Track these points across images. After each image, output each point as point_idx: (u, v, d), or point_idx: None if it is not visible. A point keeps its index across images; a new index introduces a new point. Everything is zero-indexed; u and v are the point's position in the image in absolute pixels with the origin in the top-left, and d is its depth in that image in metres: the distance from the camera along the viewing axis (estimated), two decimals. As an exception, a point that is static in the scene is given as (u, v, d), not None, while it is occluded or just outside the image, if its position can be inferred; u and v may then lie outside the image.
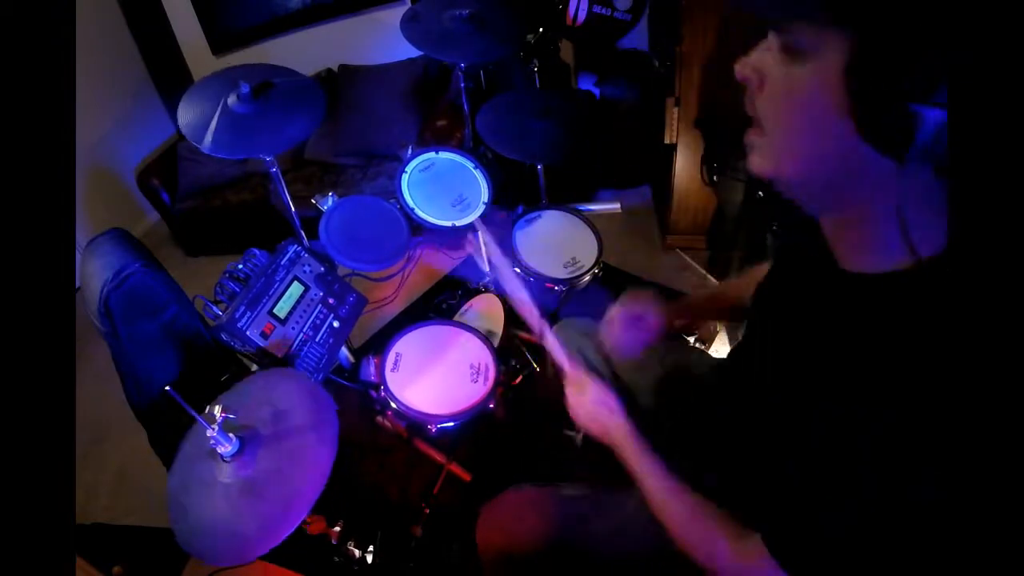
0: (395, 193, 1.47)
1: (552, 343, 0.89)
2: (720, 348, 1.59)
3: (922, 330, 0.47)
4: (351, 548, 1.19)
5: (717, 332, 1.62)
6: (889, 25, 0.40)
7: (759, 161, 0.53)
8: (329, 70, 2.91)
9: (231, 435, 0.83)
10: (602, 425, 0.80)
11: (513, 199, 1.66)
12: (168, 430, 0.93)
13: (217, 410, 0.81)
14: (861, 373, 0.49)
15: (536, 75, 2.14)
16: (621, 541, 0.85)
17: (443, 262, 2.47)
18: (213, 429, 0.80)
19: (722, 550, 0.64)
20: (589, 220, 1.58)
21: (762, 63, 0.50)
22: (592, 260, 1.47)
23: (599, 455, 0.83)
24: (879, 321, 0.49)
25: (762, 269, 0.81)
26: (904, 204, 0.47)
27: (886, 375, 0.48)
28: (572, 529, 0.87)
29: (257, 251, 1.26)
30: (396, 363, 1.29)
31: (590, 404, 0.81)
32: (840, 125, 0.45)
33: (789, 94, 0.48)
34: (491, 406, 1.21)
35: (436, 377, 1.27)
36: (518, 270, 1.45)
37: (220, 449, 0.82)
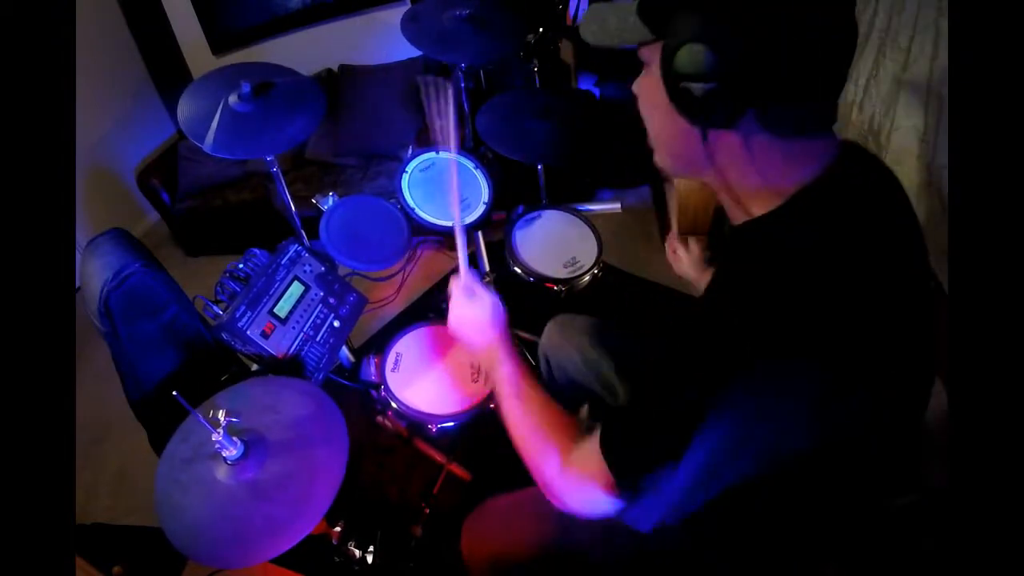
0: (395, 193, 1.47)
1: (459, 239, 0.89)
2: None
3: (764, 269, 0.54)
4: (351, 548, 1.19)
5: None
6: (676, 30, 0.52)
7: (654, 155, 0.66)
8: (329, 70, 2.90)
9: (235, 438, 0.83)
10: (481, 336, 0.81)
11: (513, 199, 1.66)
12: (168, 430, 0.93)
13: (221, 414, 0.80)
14: (726, 308, 0.56)
15: (536, 75, 2.14)
16: (607, 542, 0.84)
17: (443, 262, 2.47)
18: (218, 433, 0.80)
19: (552, 462, 0.67)
20: (589, 220, 1.58)
21: (638, 81, 0.62)
22: (592, 260, 1.47)
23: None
24: (742, 260, 0.59)
25: None
26: (726, 172, 0.58)
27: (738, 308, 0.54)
28: (557, 534, 0.86)
29: (257, 251, 1.25)
30: (396, 363, 1.29)
31: (476, 312, 0.82)
32: (671, 111, 0.56)
33: (644, 97, 0.62)
34: (491, 406, 1.21)
35: (436, 377, 1.27)
36: (518, 270, 1.45)
37: (225, 453, 0.82)
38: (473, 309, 0.83)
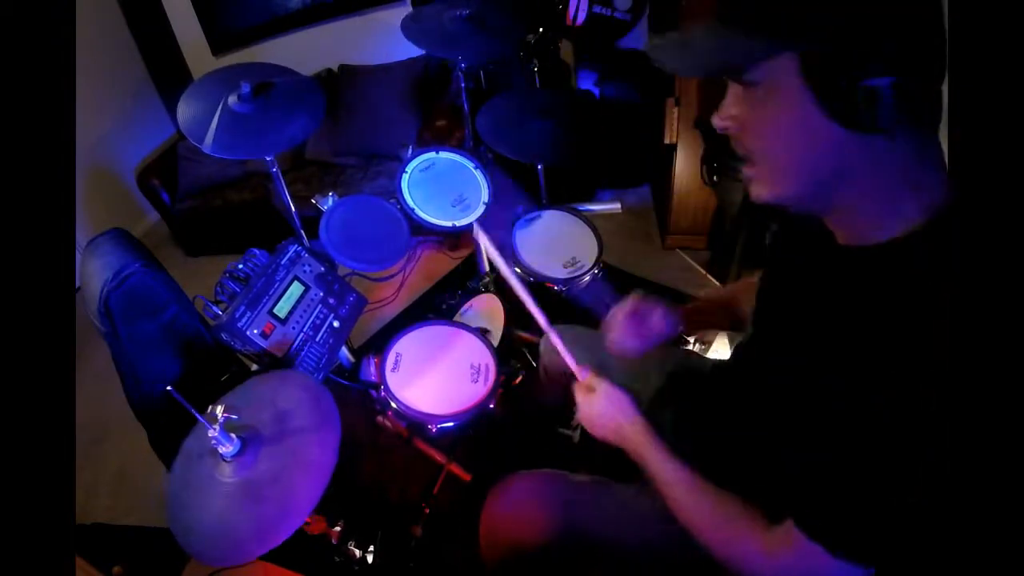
0: (395, 193, 1.47)
1: (558, 344, 0.88)
2: (720, 350, 1.59)
3: (913, 297, 0.50)
4: (351, 548, 1.19)
5: (717, 335, 1.61)
6: (823, 32, 0.46)
7: (759, 190, 0.57)
8: (329, 70, 2.91)
9: (232, 435, 0.83)
10: (616, 428, 0.78)
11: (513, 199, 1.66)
12: (168, 430, 0.93)
13: (219, 410, 0.81)
14: (862, 343, 0.52)
15: (536, 75, 2.14)
16: (630, 524, 0.84)
17: (443, 262, 2.47)
18: (214, 429, 0.80)
19: (755, 553, 0.63)
20: (589, 220, 1.58)
21: (732, 108, 0.55)
22: (592, 260, 1.47)
23: (596, 452, 0.83)
24: (876, 290, 0.53)
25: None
26: (892, 181, 0.52)
27: (882, 342, 0.51)
28: (580, 515, 0.86)
29: (257, 251, 1.25)
30: (396, 363, 1.29)
31: (600, 407, 0.80)
32: (820, 126, 0.49)
33: (765, 122, 0.53)
34: (491, 406, 1.21)
35: (436, 377, 1.27)
36: (518, 270, 1.45)
37: (221, 449, 0.82)
38: (599, 404, 0.80)
